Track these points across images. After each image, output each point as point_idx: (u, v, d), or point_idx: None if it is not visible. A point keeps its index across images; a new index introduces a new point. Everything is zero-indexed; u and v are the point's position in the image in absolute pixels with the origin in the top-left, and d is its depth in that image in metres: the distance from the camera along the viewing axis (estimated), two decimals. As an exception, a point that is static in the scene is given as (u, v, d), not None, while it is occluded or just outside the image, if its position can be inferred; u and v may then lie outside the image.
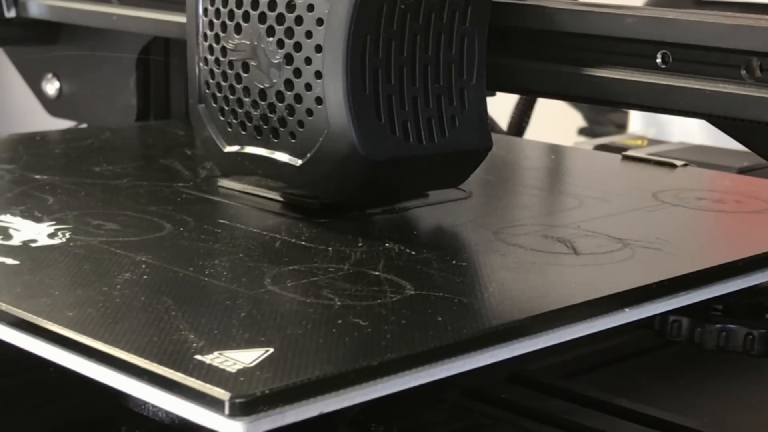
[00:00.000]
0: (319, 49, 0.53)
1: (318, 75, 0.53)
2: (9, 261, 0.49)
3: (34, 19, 0.85)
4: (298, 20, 0.53)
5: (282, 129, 0.55)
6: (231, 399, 0.36)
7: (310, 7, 0.53)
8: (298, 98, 0.54)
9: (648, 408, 0.56)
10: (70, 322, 0.42)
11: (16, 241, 0.51)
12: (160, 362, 0.38)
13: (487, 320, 0.44)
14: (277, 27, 0.54)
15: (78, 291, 0.45)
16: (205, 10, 0.58)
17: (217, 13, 0.57)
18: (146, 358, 0.39)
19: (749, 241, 0.59)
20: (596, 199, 0.64)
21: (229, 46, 0.56)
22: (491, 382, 0.57)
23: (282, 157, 0.55)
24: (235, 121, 0.57)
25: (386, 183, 0.56)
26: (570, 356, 0.62)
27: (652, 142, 0.94)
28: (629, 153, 0.77)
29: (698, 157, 0.86)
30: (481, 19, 0.56)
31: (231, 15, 0.56)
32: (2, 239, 0.51)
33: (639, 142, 0.92)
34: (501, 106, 0.90)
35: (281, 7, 0.54)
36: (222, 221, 0.56)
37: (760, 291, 0.58)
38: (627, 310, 0.48)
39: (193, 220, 0.56)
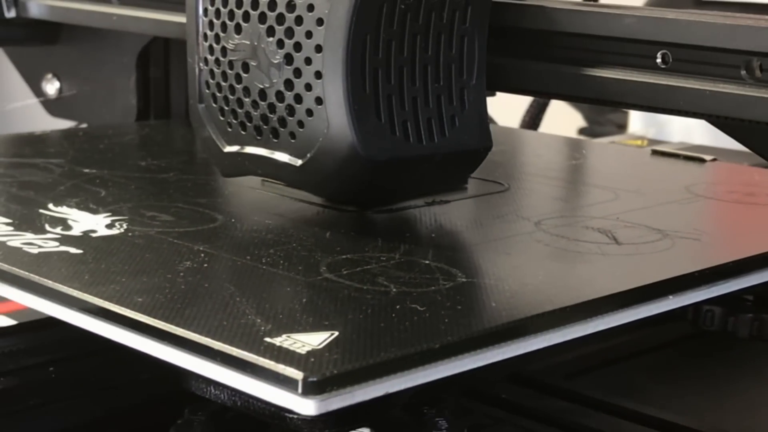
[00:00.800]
0: (319, 49, 0.53)
1: (318, 75, 0.53)
2: (73, 250, 0.50)
3: (34, 19, 0.85)
4: (298, 20, 0.53)
5: (282, 129, 0.55)
6: (304, 378, 0.37)
7: (310, 7, 0.53)
8: (298, 98, 0.54)
9: (648, 408, 0.57)
10: (141, 307, 0.43)
11: (76, 231, 0.53)
12: (233, 344, 0.40)
13: (540, 305, 0.45)
14: (277, 27, 0.54)
15: (143, 278, 0.47)
16: (205, 10, 0.57)
17: (217, 13, 0.57)
18: (219, 340, 0.40)
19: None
20: (631, 192, 0.66)
21: (229, 46, 0.56)
22: (492, 381, 0.58)
23: (282, 157, 0.55)
24: (235, 121, 0.57)
25: (386, 183, 0.56)
26: (571, 356, 0.63)
27: (652, 142, 0.95)
28: (658, 148, 0.79)
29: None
30: (481, 19, 0.57)
31: (231, 15, 0.56)
32: (63, 229, 0.53)
33: (639, 142, 0.93)
34: (512, 108, 0.92)
35: (281, 7, 0.54)
36: (271, 213, 0.58)
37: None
38: (671, 297, 0.49)
39: (243, 211, 0.58)
